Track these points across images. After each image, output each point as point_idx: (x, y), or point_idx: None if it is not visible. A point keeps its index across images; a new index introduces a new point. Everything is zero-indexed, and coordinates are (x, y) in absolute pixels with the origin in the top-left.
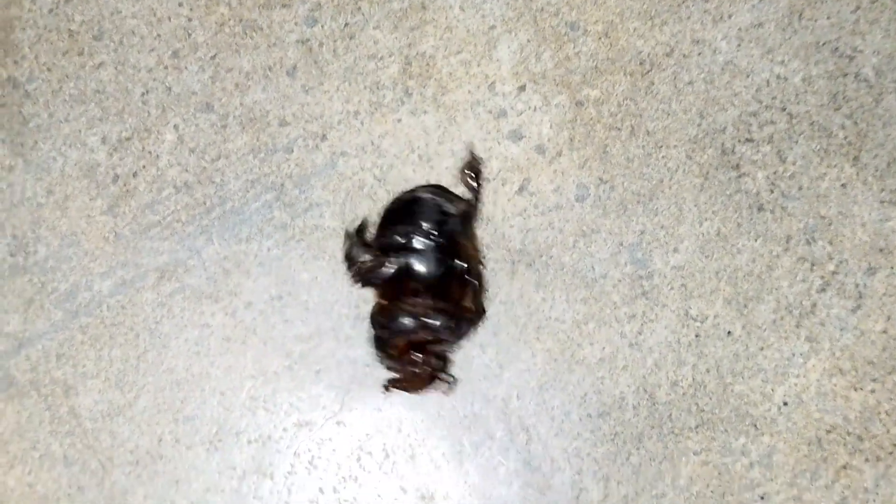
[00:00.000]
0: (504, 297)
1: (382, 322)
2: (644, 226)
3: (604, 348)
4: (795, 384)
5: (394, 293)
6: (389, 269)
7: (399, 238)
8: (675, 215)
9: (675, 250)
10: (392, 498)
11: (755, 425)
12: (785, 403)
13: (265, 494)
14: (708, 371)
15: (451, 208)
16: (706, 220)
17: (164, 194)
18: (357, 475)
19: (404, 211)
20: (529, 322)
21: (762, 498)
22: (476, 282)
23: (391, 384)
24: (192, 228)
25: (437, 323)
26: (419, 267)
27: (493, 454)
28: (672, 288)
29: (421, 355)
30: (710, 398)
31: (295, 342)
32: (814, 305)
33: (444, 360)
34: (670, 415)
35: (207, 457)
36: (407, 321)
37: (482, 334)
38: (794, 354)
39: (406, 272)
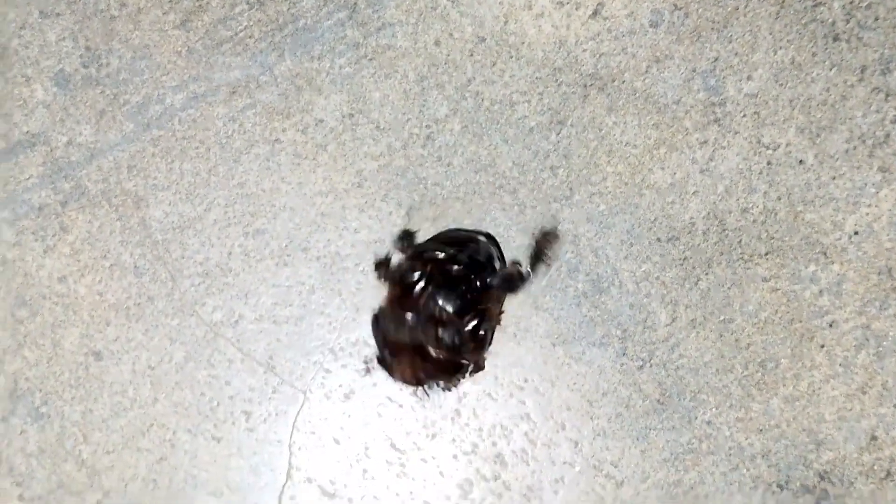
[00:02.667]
0: (575, 121)
1: (384, 319)
2: (718, 53)
3: (674, 173)
4: (867, 213)
5: (405, 302)
6: (413, 276)
7: (440, 255)
8: (749, 43)
9: (749, 78)
10: None
11: (825, 253)
12: (856, 233)
13: (332, 311)
14: (779, 199)
15: (498, 265)
16: (781, 48)
17: (237, 10)
18: None
19: (458, 240)
20: (600, 146)
21: (831, 325)
22: (484, 336)
23: (377, 361)
24: (264, 45)
25: (433, 353)
26: (443, 293)
27: (562, 276)
28: (745, 115)
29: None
30: (781, 226)
31: (365, 160)
32: (887, 136)
33: (428, 379)
34: (740, 241)
35: (276, 271)
36: (402, 332)
37: (553, 157)
38: (866, 184)
39: (428, 289)
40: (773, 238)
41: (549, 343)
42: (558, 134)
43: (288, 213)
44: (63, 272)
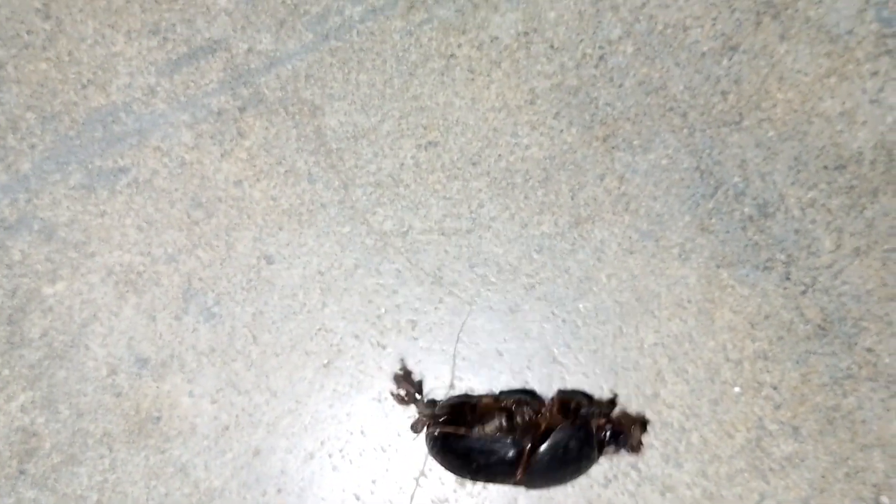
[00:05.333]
0: (747, 48)
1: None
2: None
3: (844, 103)
4: None
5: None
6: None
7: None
8: None
9: None
10: (625, 237)
11: None
12: None
13: (499, 225)
14: None
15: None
16: None
17: None
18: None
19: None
20: (771, 73)
21: None
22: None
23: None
24: None
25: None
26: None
27: (729, 200)
28: None
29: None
30: None
31: (538, 78)
32: None
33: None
34: None
35: (447, 184)
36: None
37: (724, 82)
38: None
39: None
40: None
41: (713, 265)
42: (730, 59)
43: (460, 127)
44: (239, 176)
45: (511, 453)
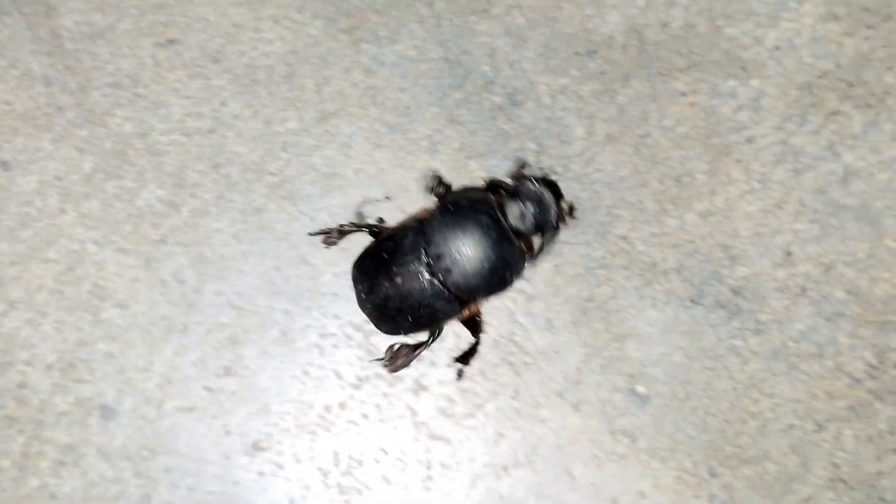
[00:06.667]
0: None
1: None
2: None
3: None
4: (788, 28)
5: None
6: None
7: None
8: None
9: None
10: (373, 130)
11: (745, 68)
12: (777, 48)
13: (242, 124)
14: (699, 13)
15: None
16: None
17: None
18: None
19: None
20: None
21: (749, 141)
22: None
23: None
24: None
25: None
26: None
27: (478, 90)
28: None
29: None
30: (701, 40)
31: None
32: None
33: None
34: (658, 56)
35: (188, 82)
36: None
37: None
38: None
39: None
40: (692, 52)
41: (462, 156)
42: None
43: (201, 23)
44: None
45: (419, 237)
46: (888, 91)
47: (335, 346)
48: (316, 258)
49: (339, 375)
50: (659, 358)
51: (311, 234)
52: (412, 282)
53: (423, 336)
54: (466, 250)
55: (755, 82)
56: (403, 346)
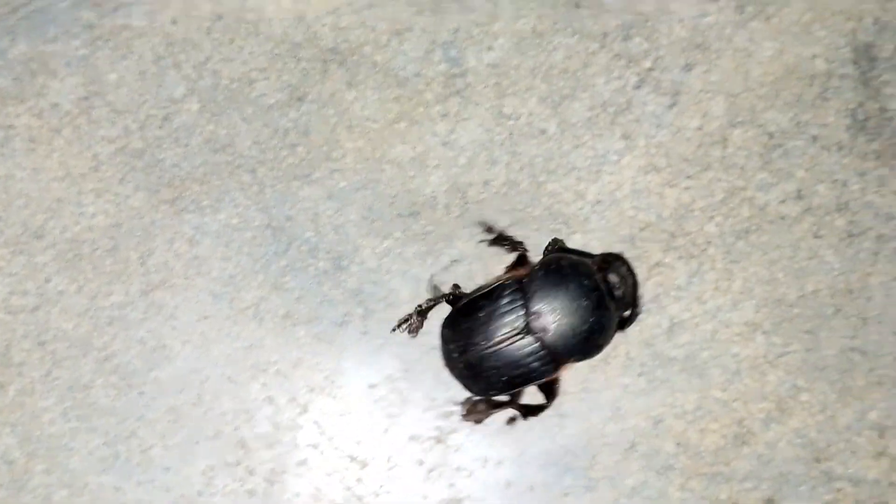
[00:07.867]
0: (315, 97)
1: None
2: (458, 24)
3: (416, 147)
4: (609, 182)
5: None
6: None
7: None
8: (489, 12)
9: (490, 48)
10: (198, 301)
11: (567, 223)
12: (598, 201)
13: (68, 302)
14: (521, 170)
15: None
16: (522, 16)
17: None
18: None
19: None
20: (340, 121)
21: None
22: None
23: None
24: None
25: None
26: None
27: (304, 256)
28: (486, 86)
29: None
30: (523, 196)
31: (102, 143)
32: (629, 102)
33: None
34: (482, 214)
35: (11, 259)
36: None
37: (292, 134)
38: (608, 152)
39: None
40: (515, 209)
41: (289, 324)
42: (298, 111)
43: (23, 199)
44: None
45: (517, 295)
46: (710, 241)
47: None
48: (143, 432)
49: None
50: None
51: (392, 332)
52: (509, 340)
53: None
54: (567, 310)
55: (578, 237)
56: (482, 400)
